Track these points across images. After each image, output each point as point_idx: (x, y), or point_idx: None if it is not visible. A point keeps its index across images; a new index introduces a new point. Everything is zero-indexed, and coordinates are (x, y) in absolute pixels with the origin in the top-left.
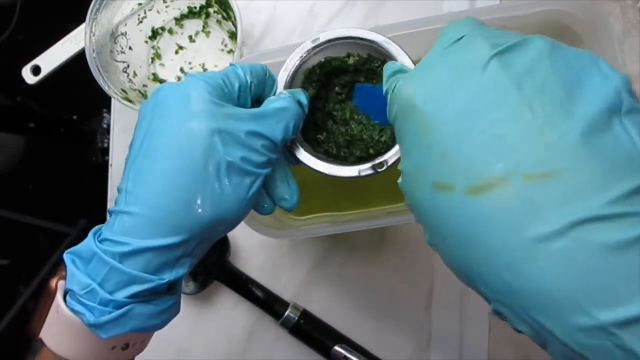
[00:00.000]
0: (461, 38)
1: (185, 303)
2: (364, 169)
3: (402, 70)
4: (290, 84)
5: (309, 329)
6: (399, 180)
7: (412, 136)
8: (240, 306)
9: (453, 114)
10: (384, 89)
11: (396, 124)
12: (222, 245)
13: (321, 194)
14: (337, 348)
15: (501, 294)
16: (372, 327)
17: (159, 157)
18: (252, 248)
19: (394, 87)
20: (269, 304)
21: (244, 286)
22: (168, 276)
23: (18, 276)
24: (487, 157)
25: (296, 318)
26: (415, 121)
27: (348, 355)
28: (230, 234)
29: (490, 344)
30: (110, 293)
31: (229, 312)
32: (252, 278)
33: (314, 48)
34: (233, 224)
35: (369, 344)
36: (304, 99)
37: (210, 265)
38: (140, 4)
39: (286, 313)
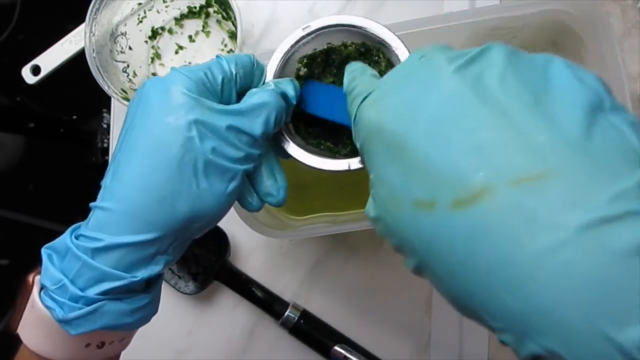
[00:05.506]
0: (421, 58)
1: (185, 303)
2: (355, 162)
3: (364, 74)
4: (280, 74)
5: (309, 329)
6: (365, 210)
7: (383, 159)
8: (240, 306)
9: (424, 129)
10: (345, 86)
11: (364, 149)
12: (222, 245)
13: (321, 194)
14: (337, 348)
15: (504, 320)
16: (372, 327)
17: (135, 152)
18: (252, 248)
19: (356, 112)
20: (269, 304)
21: (244, 286)
22: (142, 274)
23: (18, 276)
24: (467, 167)
25: (296, 318)
26: (386, 143)
27: (348, 355)
28: (230, 234)
29: (491, 344)
30: (82, 289)
31: (229, 312)
32: (252, 278)
33: (305, 36)
34: (211, 221)
35: (369, 344)
36: (290, 90)
37: (210, 265)
38: (140, 3)
39: (286, 313)
